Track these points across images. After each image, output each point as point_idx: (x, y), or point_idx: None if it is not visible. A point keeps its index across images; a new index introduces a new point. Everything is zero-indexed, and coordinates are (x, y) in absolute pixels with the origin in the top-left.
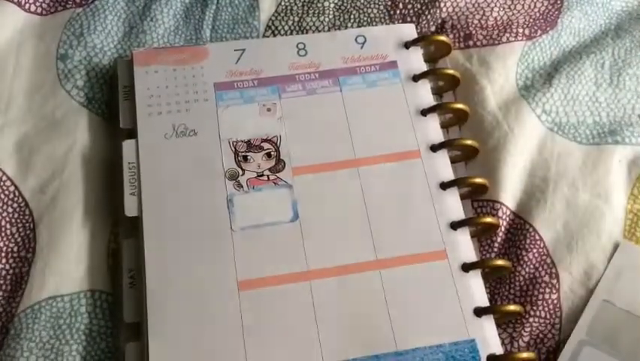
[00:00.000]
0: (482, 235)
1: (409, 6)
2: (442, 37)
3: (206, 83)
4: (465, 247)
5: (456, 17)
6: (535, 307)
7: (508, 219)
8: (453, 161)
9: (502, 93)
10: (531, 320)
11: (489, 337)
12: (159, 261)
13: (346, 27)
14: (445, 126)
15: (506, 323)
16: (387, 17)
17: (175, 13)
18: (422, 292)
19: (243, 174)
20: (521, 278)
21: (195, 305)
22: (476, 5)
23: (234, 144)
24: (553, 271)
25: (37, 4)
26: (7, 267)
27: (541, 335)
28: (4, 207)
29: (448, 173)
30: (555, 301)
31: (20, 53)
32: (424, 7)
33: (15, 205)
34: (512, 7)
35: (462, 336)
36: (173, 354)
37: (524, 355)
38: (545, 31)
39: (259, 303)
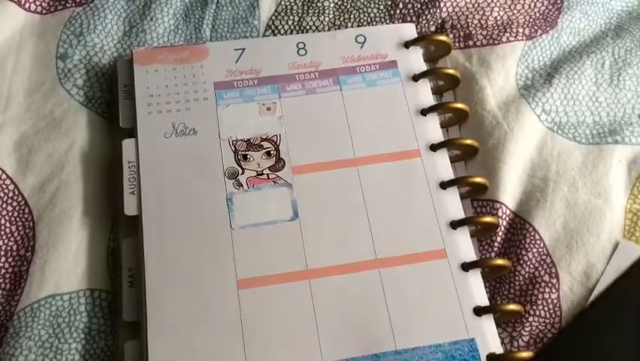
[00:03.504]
0: (482, 234)
1: (409, 6)
2: (442, 37)
3: (206, 82)
4: (465, 246)
5: (456, 17)
6: (534, 307)
7: (507, 218)
8: (453, 160)
9: (502, 93)
10: (531, 319)
11: (489, 336)
12: (159, 260)
13: (346, 27)
14: (444, 126)
15: (506, 323)
16: (387, 17)
17: (175, 12)
18: (422, 291)
19: (243, 172)
20: (521, 278)
21: (195, 304)
22: (476, 5)
23: (234, 142)
24: (553, 270)
25: (37, 3)
26: (7, 265)
27: (540, 335)
28: (4, 205)
29: (447, 172)
30: (555, 301)
31: (20, 52)
32: (424, 7)
33: (14, 204)
34: (512, 7)
35: (461, 335)
36: (172, 353)
37: (524, 354)
38: (545, 31)
39: (258, 302)
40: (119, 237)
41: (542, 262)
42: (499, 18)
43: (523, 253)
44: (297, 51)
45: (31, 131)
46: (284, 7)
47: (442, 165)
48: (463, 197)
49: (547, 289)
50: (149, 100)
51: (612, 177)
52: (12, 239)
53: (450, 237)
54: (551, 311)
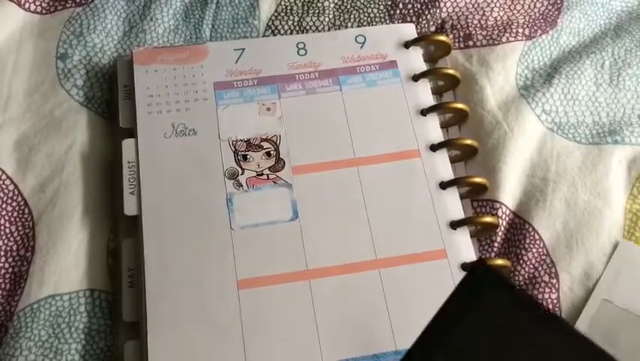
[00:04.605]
0: (482, 234)
1: (409, 6)
2: (442, 37)
3: (205, 83)
4: (464, 246)
5: (456, 17)
6: None
7: (507, 218)
8: (452, 160)
9: (502, 93)
10: None
11: None
12: (159, 260)
13: (346, 27)
14: (444, 126)
15: None
16: (387, 17)
17: (175, 12)
18: (422, 291)
19: (243, 173)
20: (521, 278)
21: (194, 304)
22: (476, 5)
23: (234, 143)
24: (553, 270)
25: (37, 3)
26: (7, 266)
27: None
28: (4, 205)
29: (447, 172)
30: (555, 301)
31: (20, 52)
32: (424, 7)
33: (14, 204)
34: (512, 7)
35: None
36: (172, 353)
37: None
38: (545, 31)
39: (258, 302)
40: (119, 237)
41: (542, 262)
42: (499, 18)
43: (523, 253)
44: (297, 51)
45: (31, 132)
46: (284, 7)
47: (442, 165)
48: (462, 197)
49: (547, 290)
50: (149, 100)
51: (612, 177)
52: (12, 239)
53: (450, 237)
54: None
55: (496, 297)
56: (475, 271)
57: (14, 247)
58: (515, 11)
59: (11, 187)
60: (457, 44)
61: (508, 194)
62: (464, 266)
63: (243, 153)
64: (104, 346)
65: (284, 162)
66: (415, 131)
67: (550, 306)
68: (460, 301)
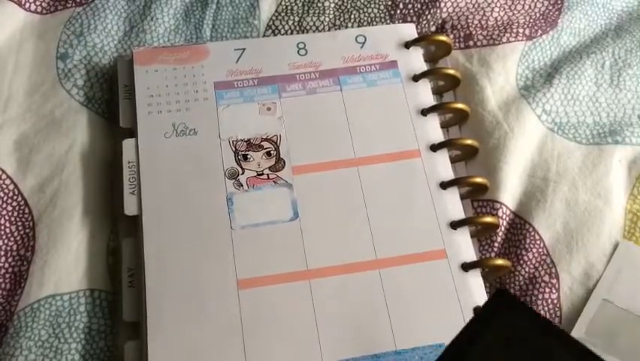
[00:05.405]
0: (482, 234)
1: (410, 6)
2: (443, 37)
3: (206, 83)
4: (465, 246)
5: (456, 17)
6: (534, 307)
7: (508, 219)
8: (453, 161)
9: (503, 93)
10: None
11: None
12: (159, 260)
13: (346, 27)
14: (445, 126)
15: None
16: (387, 17)
17: (175, 12)
18: (422, 291)
19: (243, 173)
20: (521, 278)
21: (195, 304)
22: (476, 5)
23: (234, 143)
24: (553, 270)
25: (37, 3)
26: (7, 265)
27: None
28: (4, 205)
29: (448, 172)
30: (555, 301)
31: (20, 52)
32: (424, 7)
33: (14, 204)
34: (512, 7)
35: None
36: (172, 353)
37: None
38: (545, 32)
39: (258, 302)
40: (119, 237)
41: (542, 262)
42: (499, 18)
43: (523, 253)
44: (298, 51)
45: (32, 132)
46: (284, 7)
47: (443, 165)
48: (463, 197)
49: (547, 290)
50: (150, 100)
51: (612, 177)
52: (12, 239)
53: (450, 237)
54: (551, 311)
55: (514, 319)
56: (495, 296)
57: (14, 247)
58: (516, 11)
59: (11, 187)
60: (457, 44)
61: (509, 194)
62: (464, 266)
63: (243, 152)
64: (104, 346)
65: (284, 162)
66: (415, 131)
67: (551, 306)
68: (479, 323)
